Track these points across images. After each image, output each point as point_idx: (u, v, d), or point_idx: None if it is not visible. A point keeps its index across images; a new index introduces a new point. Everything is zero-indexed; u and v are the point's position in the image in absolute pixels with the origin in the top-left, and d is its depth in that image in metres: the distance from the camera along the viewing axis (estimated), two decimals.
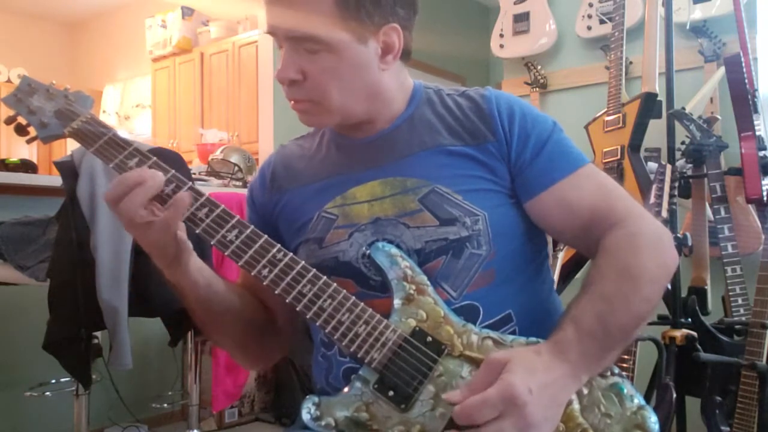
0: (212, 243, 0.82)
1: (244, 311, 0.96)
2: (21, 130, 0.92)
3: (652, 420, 0.78)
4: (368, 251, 0.88)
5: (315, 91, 0.89)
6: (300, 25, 0.86)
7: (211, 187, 2.76)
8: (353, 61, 0.88)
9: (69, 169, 1.72)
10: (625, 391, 0.79)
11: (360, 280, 0.89)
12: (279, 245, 0.83)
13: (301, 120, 0.96)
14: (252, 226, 0.83)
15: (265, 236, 0.83)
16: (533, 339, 0.82)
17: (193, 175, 2.52)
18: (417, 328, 0.82)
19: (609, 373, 0.81)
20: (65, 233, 1.72)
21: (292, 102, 0.92)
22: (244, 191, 1.07)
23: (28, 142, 0.94)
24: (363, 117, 0.95)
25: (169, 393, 2.71)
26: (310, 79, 0.88)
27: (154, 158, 0.85)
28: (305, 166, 1.01)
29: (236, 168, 3.08)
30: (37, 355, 1.78)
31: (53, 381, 2.25)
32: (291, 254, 0.83)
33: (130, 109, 6.04)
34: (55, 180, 2.06)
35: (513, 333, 0.87)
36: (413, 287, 0.84)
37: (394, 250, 0.86)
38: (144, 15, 5.50)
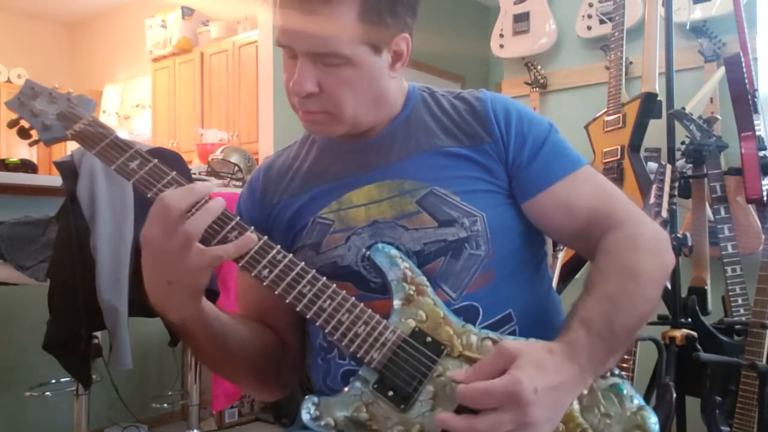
0: (213, 244, 0.82)
1: (255, 340, 0.93)
2: (23, 133, 0.93)
3: (652, 420, 0.78)
4: (368, 252, 0.88)
5: (330, 103, 0.89)
6: (325, 41, 0.85)
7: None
8: (369, 72, 0.88)
9: (69, 169, 1.73)
10: (625, 391, 0.79)
11: (359, 283, 0.89)
12: (278, 246, 0.83)
13: (309, 129, 0.96)
14: (252, 228, 0.83)
15: (265, 237, 0.83)
16: (532, 340, 0.82)
17: (193, 175, 2.52)
18: (416, 329, 0.82)
19: (609, 374, 0.80)
20: (65, 233, 1.72)
21: (303, 113, 0.91)
22: None
23: (31, 144, 0.94)
24: (371, 125, 0.95)
25: (169, 393, 2.71)
26: (326, 91, 0.88)
27: (155, 161, 0.85)
28: (296, 176, 1.00)
29: (236, 168, 3.09)
30: (37, 355, 1.78)
31: (53, 381, 2.25)
32: (290, 255, 0.83)
33: (130, 109, 6.04)
34: (55, 180, 2.06)
35: (513, 333, 0.87)
36: (413, 288, 0.84)
37: (393, 252, 0.86)
38: (144, 15, 5.50)
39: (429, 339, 0.81)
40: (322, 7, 0.84)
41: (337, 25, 0.84)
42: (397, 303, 0.83)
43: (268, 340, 0.96)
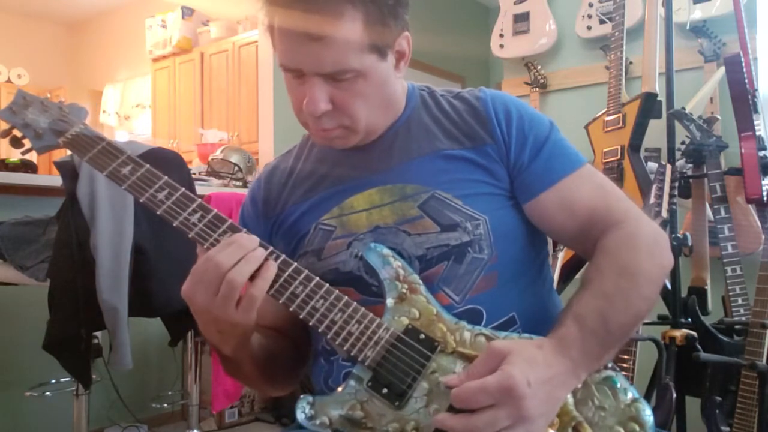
0: (205, 246, 0.82)
1: (282, 352, 0.96)
2: (16, 142, 0.94)
3: (646, 412, 0.78)
4: (360, 253, 0.87)
5: (345, 117, 0.88)
6: (336, 60, 0.83)
7: (211, 187, 2.76)
8: (378, 79, 0.88)
9: (69, 169, 1.73)
10: (619, 384, 0.79)
11: (361, 288, 0.89)
12: (272, 248, 0.83)
13: (325, 144, 0.95)
14: (244, 229, 0.83)
15: (257, 239, 0.83)
16: (526, 335, 0.82)
17: (193, 175, 2.52)
18: (410, 326, 0.82)
19: (602, 367, 0.81)
20: (65, 233, 1.72)
21: (320, 130, 0.90)
22: (244, 191, 1.07)
23: (23, 153, 0.96)
24: (382, 129, 0.94)
25: (169, 393, 2.71)
26: (339, 105, 0.87)
27: (147, 166, 0.86)
28: (297, 182, 1.00)
29: (236, 168, 3.09)
30: (37, 355, 1.79)
31: (53, 381, 2.25)
32: (283, 256, 0.83)
33: (130, 109, 6.05)
34: (55, 180, 2.07)
35: None
36: (405, 286, 0.84)
37: (386, 251, 0.86)
38: (144, 15, 5.51)
39: (422, 336, 0.81)
40: (329, 28, 0.82)
41: (346, 42, 0.83)
42: (390, 301, 0.83)
43: (289, 349, 0.99)
